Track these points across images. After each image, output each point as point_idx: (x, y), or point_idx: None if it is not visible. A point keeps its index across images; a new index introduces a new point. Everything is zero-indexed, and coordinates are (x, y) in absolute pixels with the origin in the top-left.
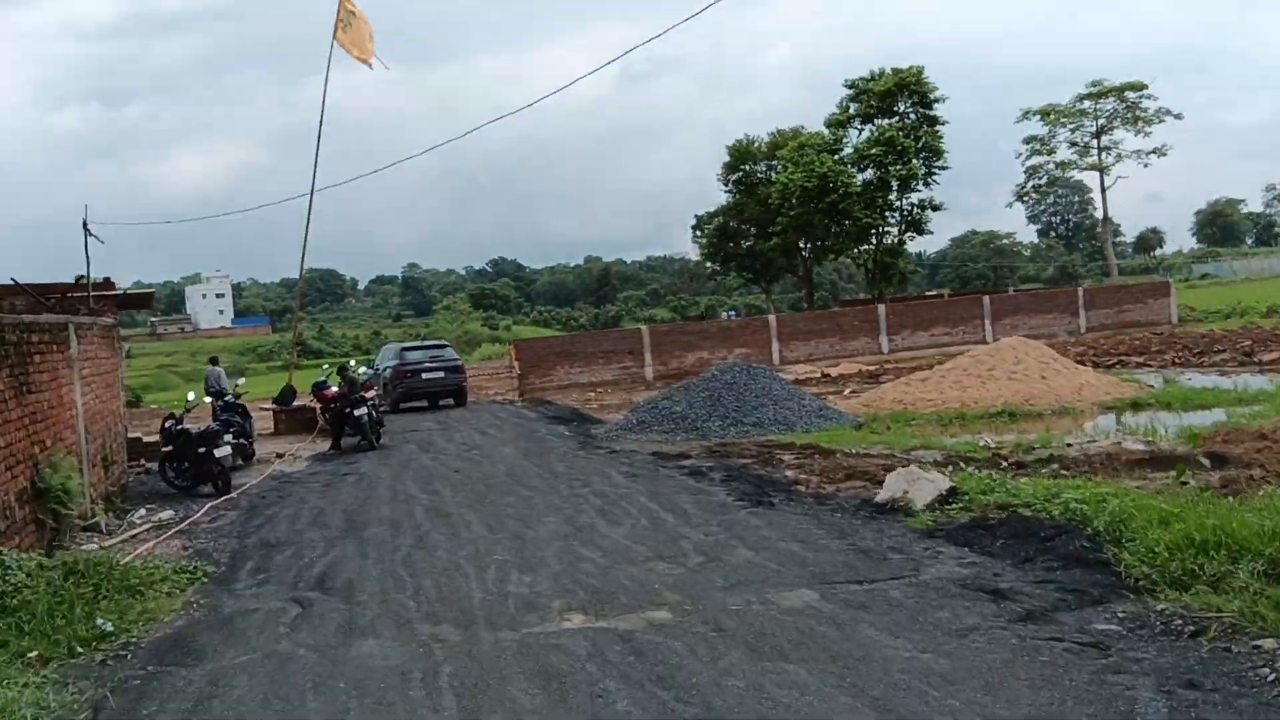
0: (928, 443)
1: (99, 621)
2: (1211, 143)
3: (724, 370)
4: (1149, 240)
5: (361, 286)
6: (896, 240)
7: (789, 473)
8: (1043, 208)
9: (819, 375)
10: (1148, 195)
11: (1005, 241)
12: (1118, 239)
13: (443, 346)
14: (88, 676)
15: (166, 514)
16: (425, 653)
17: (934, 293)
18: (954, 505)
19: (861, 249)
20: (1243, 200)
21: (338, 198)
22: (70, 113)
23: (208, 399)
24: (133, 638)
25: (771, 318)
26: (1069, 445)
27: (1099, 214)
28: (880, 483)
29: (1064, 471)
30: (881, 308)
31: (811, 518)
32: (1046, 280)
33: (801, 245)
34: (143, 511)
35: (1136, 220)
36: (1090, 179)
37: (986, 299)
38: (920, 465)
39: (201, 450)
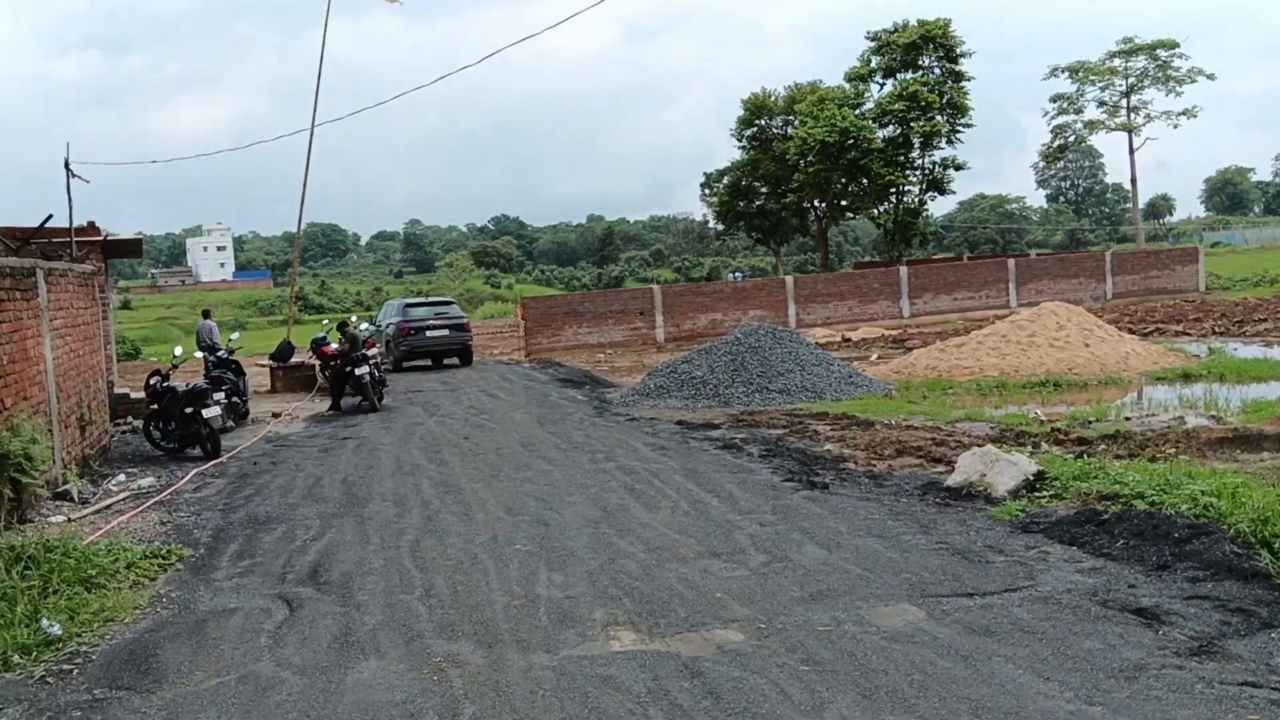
0: (972, 414)
1: (44, 623)
2: (1219, 111)
3: (747, 333)
4: (1158, 207)
5: (363, 242)
6: (917, 200)
7: (830, 447)
8: (1052, 172)
9: (839, 339)
10: (1155, 163)
11: (1015, 206)
12: (1126, 205)
13: (448, 303)
14: (20, 699)
15: (147, 481)
16: (440, 682)
17: (940, 256)
18: (1043, 493)
19: (881, 208)
20: (1252, 169)
21: (339, 151)
22: (70, 60)
23: (199, 354)
24: (84, 644)
25: (788, 279)
26: (1128, 419)
27: (1109, 179)
28: (938, 460)
29: (1140, 450)
30: (903, 270)
31: (876, 504)
32: (1055, 245)
33: (816, 204)
34: (122, 477)
35: (1144, 187)
36: (1117, 140)
37: (1011, 262)
38: (1000, 445)
39: (189, 410)
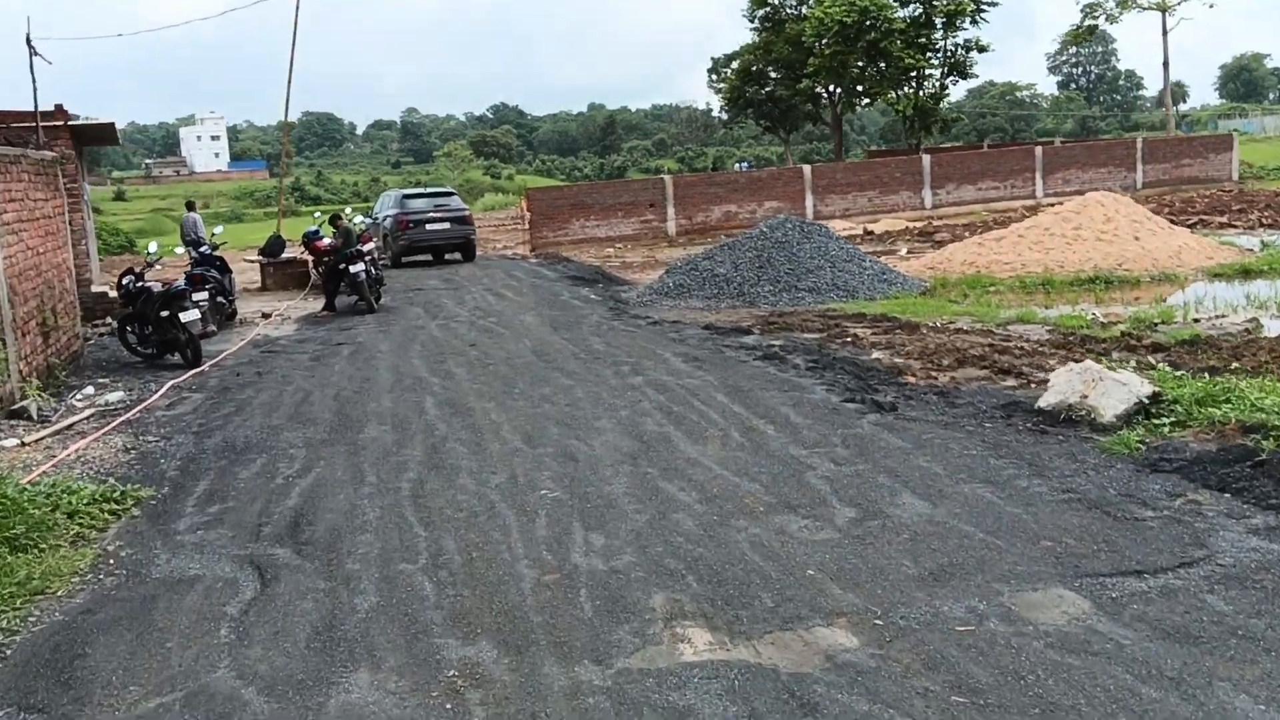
0: (1024, 315)
1: None
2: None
3: (773, 227)
4: (1172, 94)
5: (360, 131)
6: (938, 84)
7: (878, 355)
8: (1064, 58)
9: (861, 232)
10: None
11: (1025, 94)
12: (1139, 93)
13: (449, 194)
14: None
15: (115, 395)
16: (454, 713)
17: (951, 145)
18: (1161, 420)
19: (900, 93)
20: (1268, 55)
21: (333, 37)
22: None
23: (180, 250)
24: (1, 628)
25: (805, 168)
26: (1197, 321)
27: (1121, 65)
28: (1005, 371)
29: (1235, 359)
30: (926, 158)
31: (962, 431)
32: (1066, 134)
33: (831, 90)
34: (89, 390)
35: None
36: (1130, 26)
37: (1038, 150)
38: (1104, 360)
39: (165, 314)
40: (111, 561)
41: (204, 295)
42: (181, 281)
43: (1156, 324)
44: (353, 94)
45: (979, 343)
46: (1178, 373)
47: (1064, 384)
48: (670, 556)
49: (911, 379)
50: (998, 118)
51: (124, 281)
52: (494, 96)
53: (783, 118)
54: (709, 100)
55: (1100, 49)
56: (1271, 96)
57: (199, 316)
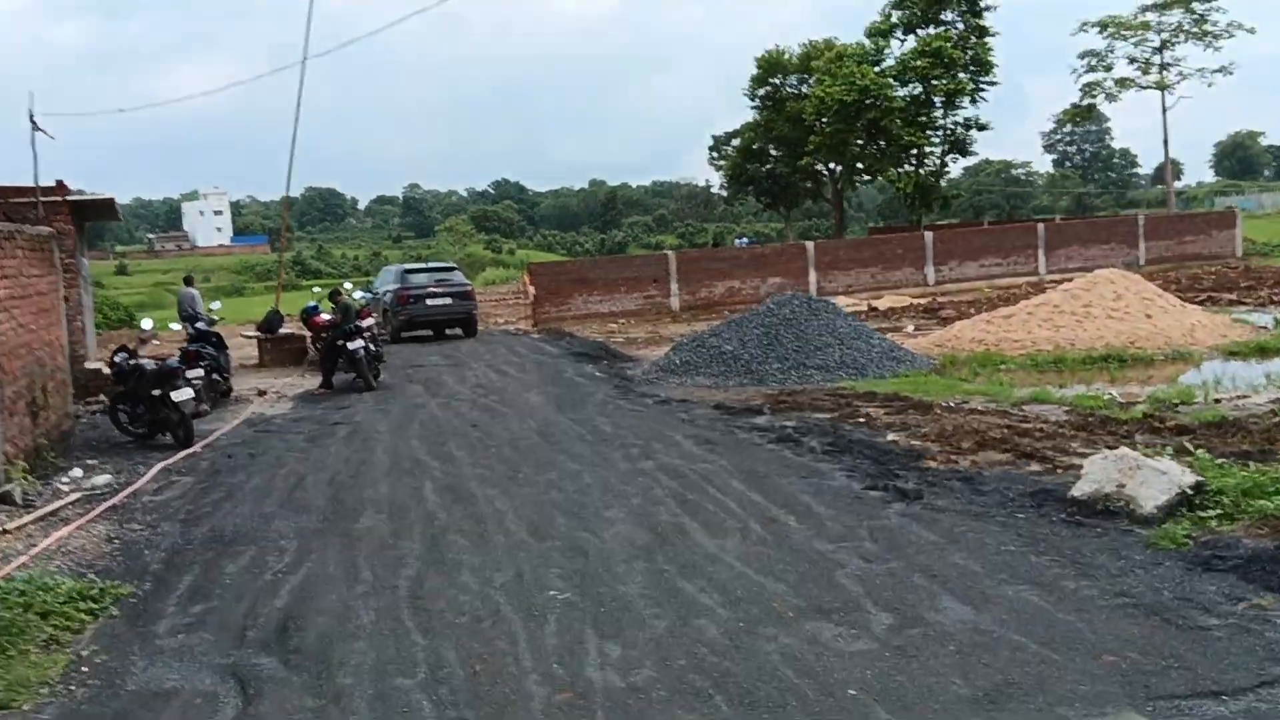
0: (1038, 395)
1: None
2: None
3: (780, 303)
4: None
5: (362, 206)
6: (939, 162)
7: (894, 437)
8: (1059, 137)
9: (865, 309)
10: (1158, 127)
11: (1020, 171)
12: (1133, 170)
13: (450, 269)
14: None
15: (103, 479)
16: None
17: (948, 223)
18: (1207, 512)
19: (900, 171)
20: (1262, 132)
21: (336, 113)
22: (69, 25)
23: (176, 326)
24: None
25: (809, 244)
26: (1218, 401)
27: (1116, 144)
28: (1029, 455)
29: (1270, 444)
30: (928, 235)
31: (995, 523)
32: (1063, 211)
33: (831, 167)
34: (77, 472)
35: (1152, 153)
36: (1127, 105)
37: (1041, 227)
38: (1141, 448)
39: (158, 393)
40: (85, 669)
41: (199, 372)
42: (175, 359)
43: (1177, 404)
44: (355, 169)
45: (996, 423)
46: (1218, 460)
47: (1099, 472)
48: (695, 671)
49: (932, 463)
50: (994, 195)
51: (116, 359)
52: (496, 172)
53: (782, 194)
54: (708, 177)
55: (1095, 128)
56: (1267, 173)
57: (192, 395)
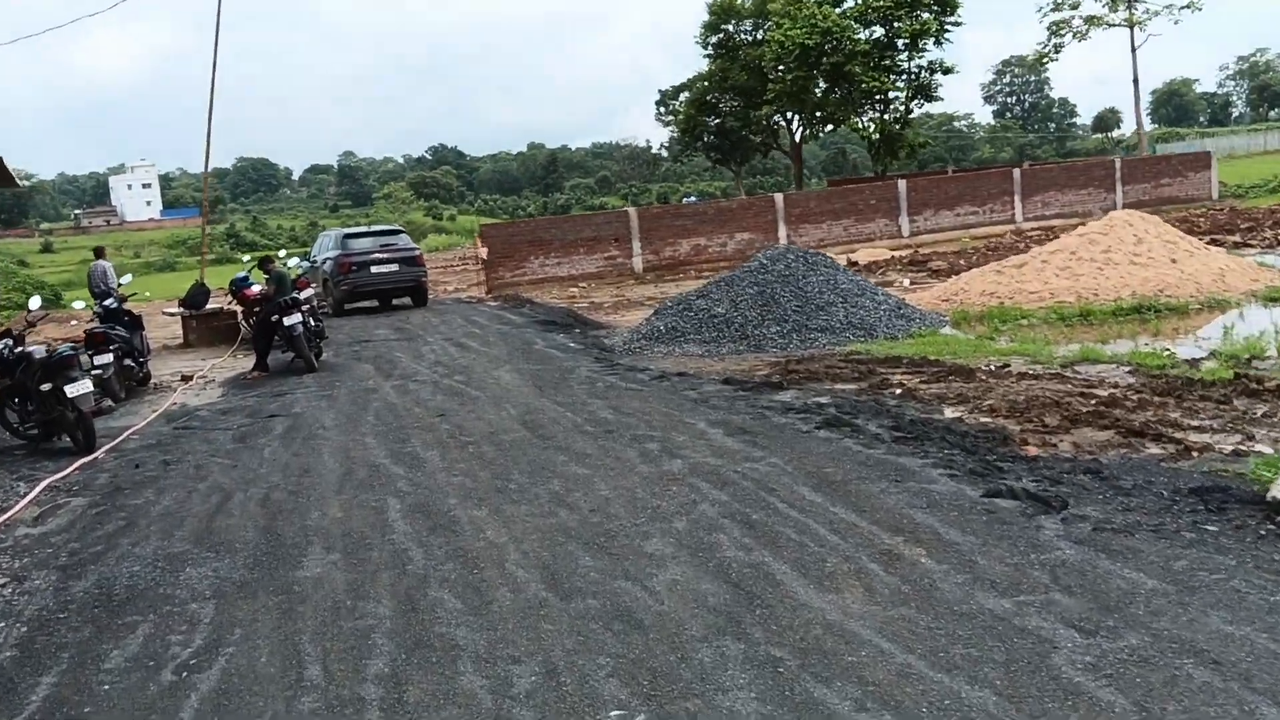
0: (1087, 353)
1: None
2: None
3: (773, 258)
4: (1106, 120)
5: (296, 176)
6: (904, 108)
7: (953, 412)
8: (998, 88)
9: (845, 263)
10: (1094, 77)
11: (963, 123)
12: (1072, 120)
13: (396, 232)
14: None
15: None
16: None
17: (901, 174)
18: None
19: (865, 119)
20: (1196, 79)
21: (266, 81)
22: None
23: (78, 305)
24: None
25: (778, 196)
26: None
27: (1055, 94)
28: (1139, 433)
29: None
30: (901, 184)
31: (1192, 543)
32: (1005, 162)
33: (789, 117)
34: None
35: (1086, 104)
36: (1070, 53)
37: (1016, 172)
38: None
39: (49, 387)
40: None
41: (107, 358)
42: (67, 346)
43: (1249, 359)
44: (288, 139)
45: (1061, 391)
46: None
47: None
48: None
49: (1032, 449)
50: (937, 148)
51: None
52: (432, 138)
53: (733, 150)
54: (648, 137)
55: (1034, 78)
56: (1202, 119)
57: (91, 389)
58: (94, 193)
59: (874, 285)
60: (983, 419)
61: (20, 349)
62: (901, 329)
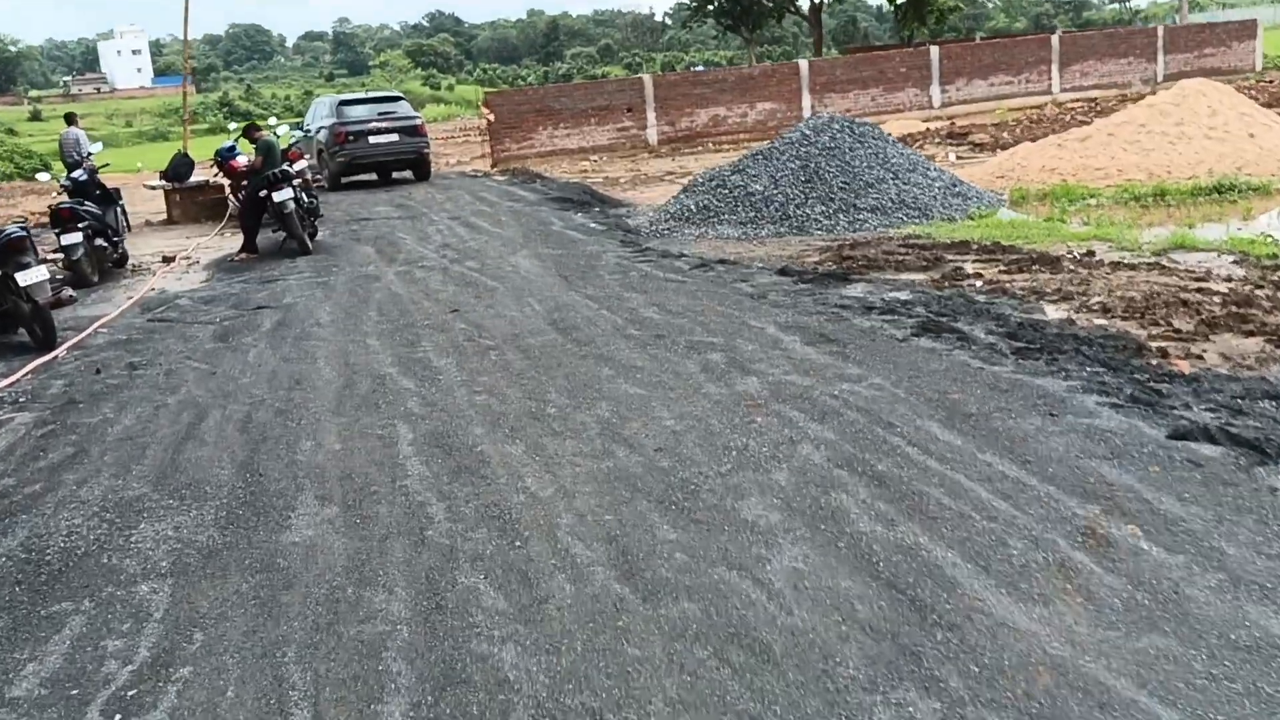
0: (1181, 239)
1: None
2: None
3: (818, 129)
4: None
5: (290, 44)
6: None
7: (1055, 311)
8: None
9: None
10: None
11: None
12: None
13: (395, 99)
14: None
15: None
16: None
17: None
18: None
19: None
20: None
21: None
22: None
23: (43, 177)
24: None
25: (802, 63)
26: None
27: None
28: None
29: None
30: (934, 50)
31: None
32: (1019, 32)
33: None
34: None
35: None
36: None
37: (1055, 40)
38: None
39: None
40: None
41: (75, 237)
42: (14, 227)
43: None
44: (281, 3)
45: (1170, 285)
46: None
47: None
48: None
49: (1179, 361)
50: (951, 17)
51: None
52: (429, 4)
53: (744, 15)
54: (652, 4)
55: None
56: None
57: (46, 277)
58: (84, 59)
59: (926, 160)
60: (1097, 320)
61: None
62: (959, 209)
